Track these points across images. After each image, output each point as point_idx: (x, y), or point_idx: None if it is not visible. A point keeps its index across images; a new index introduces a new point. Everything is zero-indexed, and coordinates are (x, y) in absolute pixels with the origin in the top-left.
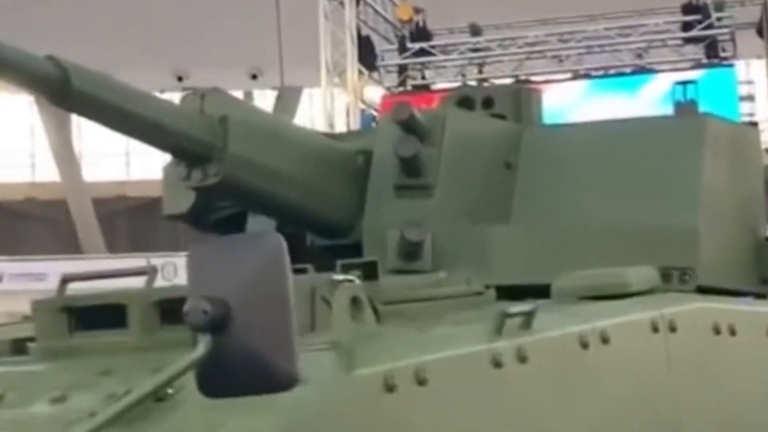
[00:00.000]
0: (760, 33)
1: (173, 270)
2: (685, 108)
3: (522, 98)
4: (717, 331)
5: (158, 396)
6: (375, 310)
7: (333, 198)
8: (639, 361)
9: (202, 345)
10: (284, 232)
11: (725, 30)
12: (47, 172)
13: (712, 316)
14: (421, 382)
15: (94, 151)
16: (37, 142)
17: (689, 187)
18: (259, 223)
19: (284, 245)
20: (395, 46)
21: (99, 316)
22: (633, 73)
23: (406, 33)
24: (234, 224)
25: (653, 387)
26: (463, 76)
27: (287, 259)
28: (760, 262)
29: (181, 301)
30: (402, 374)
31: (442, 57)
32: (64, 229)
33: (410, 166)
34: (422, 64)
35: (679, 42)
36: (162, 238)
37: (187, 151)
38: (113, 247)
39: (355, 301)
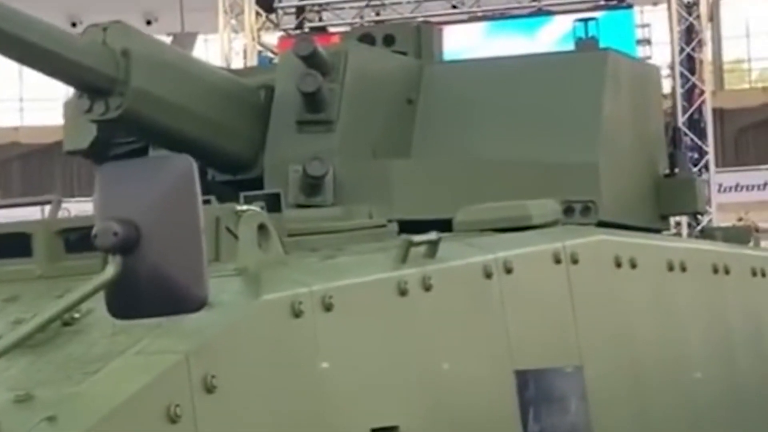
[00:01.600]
0: None
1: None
2: (587, 43)
3: (423, 35)
4: (618, 263)
5: (64, 320)
6: (280, 241)
7: (235, 133)
8: (541, 291)
9: (112, 267)
10: None
11: None
12: None
13: (614, 249)
14: (328, 308)
15: None
16: None
17: (590, 121)
18: None
19: (194, 167)
20: None
21: (3, 245)
22: (530, 15)
23: None
24: None
25: (555, 317)
26: (361, 18)
27: (197, 181)
28: (659, 198)
29: (86, 230)
30: (309, 300)
31: None
32: None
33: (312, 102)
34: (320, 5)
35: None
36: (56, 185)
37: (89, 83)
38: (7, 192)
39: (261, 229)
